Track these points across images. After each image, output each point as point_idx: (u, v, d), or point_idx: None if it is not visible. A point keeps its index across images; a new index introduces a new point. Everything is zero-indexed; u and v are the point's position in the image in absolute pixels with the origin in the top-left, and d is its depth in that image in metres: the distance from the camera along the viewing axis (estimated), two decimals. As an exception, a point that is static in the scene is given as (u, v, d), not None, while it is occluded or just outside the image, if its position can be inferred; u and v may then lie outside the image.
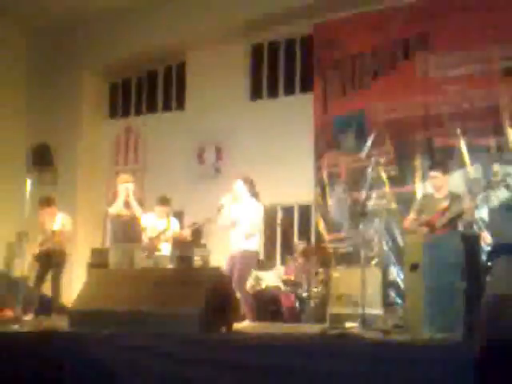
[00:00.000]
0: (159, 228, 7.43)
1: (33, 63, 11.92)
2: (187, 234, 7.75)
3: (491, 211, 6.02)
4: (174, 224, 7.63)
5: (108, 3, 10.83)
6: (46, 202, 7.74)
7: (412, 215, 6.10)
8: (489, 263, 4.63)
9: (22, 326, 5.40)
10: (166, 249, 7.48)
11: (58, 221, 7.65)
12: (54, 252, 7.51)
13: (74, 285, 9.11)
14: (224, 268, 6.25)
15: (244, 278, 6.34)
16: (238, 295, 6.22)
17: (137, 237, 7.24)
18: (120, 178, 7.58)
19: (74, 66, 11.66)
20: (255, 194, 6.45)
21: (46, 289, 7.68)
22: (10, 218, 10.18)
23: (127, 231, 7.14)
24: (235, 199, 6.36)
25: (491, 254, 4.25)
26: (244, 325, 5.98)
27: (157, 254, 7.33)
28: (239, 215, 6.29)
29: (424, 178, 8.60)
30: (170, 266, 7.33)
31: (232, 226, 6.32)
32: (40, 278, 7.53)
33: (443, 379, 3.63)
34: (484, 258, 5.92)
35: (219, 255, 8.59)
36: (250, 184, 6.47)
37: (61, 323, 5.50)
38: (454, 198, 5.89)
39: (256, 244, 6.40)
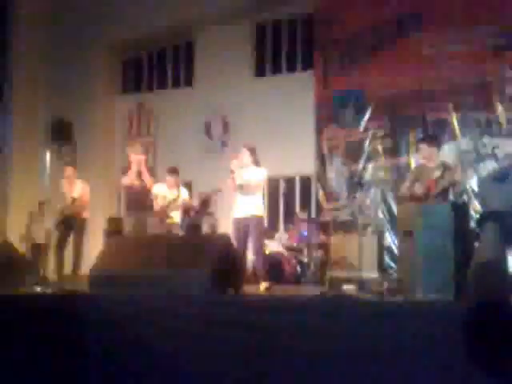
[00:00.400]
0: (169, 197, 7.45)
1: (51, 43, 11.84)
2: (196, 202, 7.77)
3: (481, 181, 5.99)
4: (184, 193, 7.64)
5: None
6: (67, 169, 7.75)
7: (407, 183, 6.10)
8: (478, 230, 4.62)
9: (45, 288, 5.47)
10: (176, 216, 7.51)
11: (78, 187, 7.65)
12: (75, 218, 7.51)
13: (91, 250, 9.21)
14: (232, 233, 6.27)
15: (262, 242, 6.37)
16: (254, 258, 6.30)
17: (149, 205, 7.25)
18: (131, 148, 7.53)
19: (89, 45, 11.58)
20: (258, 162, 6.46)
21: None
22: (31, 188, 10.23)
23: (140, 200, 7.15)
24: (241, 166, 6.35)
25: (480, 221, 4.25)
26: (264, 287, 5.98)
27: (168, 221, 7.36)
28: (245, 180, 6.28)
29: (417, 150, 8.59)
30: (180, 233, 7.36)
31: (239, 189, 6.30)
32: (61, 244, 7.56)
33: (435, 335, 3.69)
34: (473, 224, 5.94)
35: (226, 223, 8.66)
36: (255, 153, 6.47)
37: (82, 286, 5.56)
38: (446, 167, 5.87)
39: (262, 209, 6.41)
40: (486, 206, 4.14)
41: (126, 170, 7.47)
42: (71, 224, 7.46)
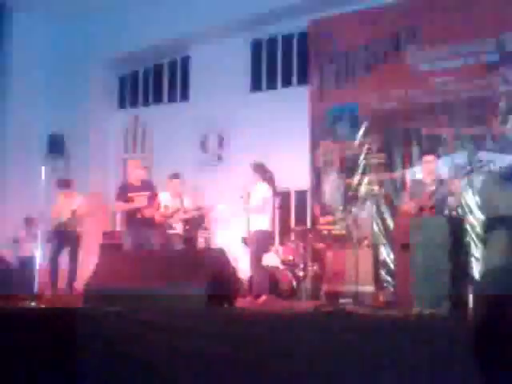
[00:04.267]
0: (172, 205, 7.21)
1: (47, 58, 11.85)
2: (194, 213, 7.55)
3: (483, 182, 5.77)
4: (187, 203, 7.43)
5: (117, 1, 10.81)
6: (65, 184, 7.69)
7: (405, 198, 6.10)
8: (485, 237, 4.50)
9: (39, 302, 5.41)
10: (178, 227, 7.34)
11: (77, 202, 7.56)
12: (71, 232, 7.39)
13: (85, 264, 9.15)
14: (248, 249, 6.38)
15: (258, 257, 6.35)
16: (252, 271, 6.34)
17: (150, 219, 6.97)
18: (130, 164, 7.34)
19: (85, 60, 11.58)
20: (268, 177, 6.50)
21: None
22: (25, 202, 10.16)
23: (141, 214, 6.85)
24: (250, 187, 6.42)
25: (487, 229, 4.13)
26: (262, 300, 6.00)
27: (170, 232, 7.15)
28: (252, 199, 6.37)
29: (412, 164, 8.62)
30: (181, 245, 7.21)
31: (248, 209, 6.41)
32: (56, 257, 7.45)
33: (432, 348, 3.66)
34: (467, 239, 5.91)
35: (222, 237, 8.63)
36: (261, 169, 6.51)
37: (76, 301, 5.50)
38: (440, 182, 5.89)
39: (267, 223, 6.40)
40: (491, 210, 3.96)
41: (125, 186, 7.16)
42: (67, 237, 7.37)
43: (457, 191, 5.83)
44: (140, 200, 6.80)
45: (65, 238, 7.39)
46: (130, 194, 6.82)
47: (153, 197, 6.92)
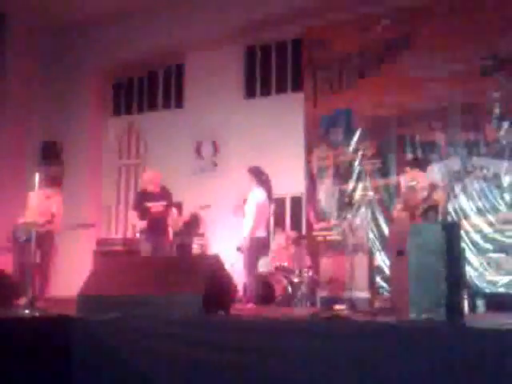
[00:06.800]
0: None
1: (44, 66, 11.81)
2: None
3: None
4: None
5: (112, 8, 10.78)
6: (53, 181, 7.33)
7: (398, 206, 6.12)
8: None
9: (32, 311, 5.34)
10: None
11: (56, 203, 7.10)
12: (43, 237, 6.71)
13: (80, 272, 9.07)
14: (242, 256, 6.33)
15: (250, 263, 6.30)
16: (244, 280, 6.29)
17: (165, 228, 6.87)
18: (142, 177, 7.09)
19: (80, 68, 11.58)
20: (263, 181, 6.47)
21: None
22: (19, 209, 10.09)
23: (158, 224, 6.74)
24: (244, 194, 6.42)
25: None
26: (247, 307, 5.99)
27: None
28: (247, 205, 6.35)
29: (406, 170, 8.62)
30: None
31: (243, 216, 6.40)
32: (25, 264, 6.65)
33: (429, 355, 3.64)
34: (462, 245, 5.90)
35: (217, 244, 8.60)
36: (256, 173, 6.49)
37: (69, 309, 5.44)
38: (433, 188, 5.90)
39: (261, 230, 6.36)
40: None
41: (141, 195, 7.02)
42: (41, 240, 6.61)
43: (442, 197, 5.86)
44: (156, 209, 6.68)
45: (39, 241, 6.46)
46: (146, 204, 6.70)
47: (169, 206, 6.79)
